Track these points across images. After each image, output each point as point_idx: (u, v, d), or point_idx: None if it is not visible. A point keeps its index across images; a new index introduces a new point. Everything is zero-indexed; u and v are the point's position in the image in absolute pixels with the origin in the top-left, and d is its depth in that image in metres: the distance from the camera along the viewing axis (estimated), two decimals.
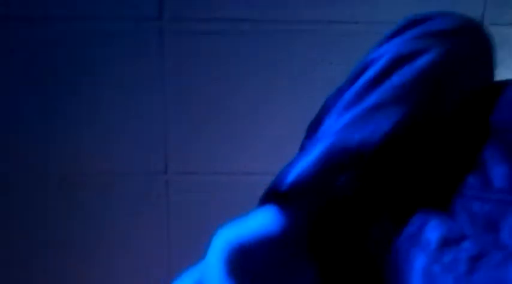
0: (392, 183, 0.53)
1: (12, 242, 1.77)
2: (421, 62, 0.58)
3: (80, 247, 1.78)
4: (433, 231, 0.48)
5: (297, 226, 0.51)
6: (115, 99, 1.65)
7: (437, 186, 0.54)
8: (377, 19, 1.61)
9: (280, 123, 1.69)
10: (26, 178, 1.71)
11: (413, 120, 0.54)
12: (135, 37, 1.60)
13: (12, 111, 1.66)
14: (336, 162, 0.52)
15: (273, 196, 0.53)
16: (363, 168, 0.52)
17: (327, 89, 1.82)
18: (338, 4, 1.60)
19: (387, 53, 0.61)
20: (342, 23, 1.61)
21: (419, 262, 0.46)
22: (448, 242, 0.47)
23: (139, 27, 1.59)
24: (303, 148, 0.68)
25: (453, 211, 0.51)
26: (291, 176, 0.52)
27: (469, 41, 0.61)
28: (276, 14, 1.60)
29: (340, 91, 0.66)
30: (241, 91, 1.66)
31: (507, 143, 0.51)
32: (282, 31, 1.61)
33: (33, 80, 1.63)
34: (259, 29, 1.61)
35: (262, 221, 0.52)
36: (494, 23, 1.61)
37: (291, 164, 0.54)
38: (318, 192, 0.51)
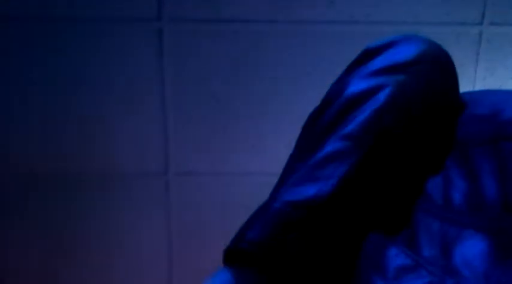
0: (350, 215, 0.54)
1: (12, 242, 1.77)
2: (376, 101, 0.58)
3: (80, 247, 1.78)
4: (391, 260, 0.50)
5: (261, 278, 0.53)
6: (115, 99, 1.65)
7: (399, 199, 0.55)
8: (377, 19, 1.61)
9: (281, 123, 1.69)
10: (26, 178, 1.71)
11: (365, 166, 0.55)
12: (135, 37, 1.60)
13: (11, 111, 1.66)
14: (288, 221, 0.53)
15: (233, 254, 0.56)
16: (312, 222, 0.53)
17: (327, 89, 1.81)
18: (338, 4, 1.60)
19: (345, 89, 0.62)
20: (342, 23, 1.61)
21: None
22: (404, 270, 0.48)
23: (139, 28, 1.59)
24: (292, 164, 0.69)
25: (416, 227, 0.52)
26: (250, 233, 0.54)
27: (429, 67, 0.61)
28: (276, 14, 1.60)
29: (315, 119, 0.68)
30: (241, 92, 1.66)
31: (467, 158, 0.52)
32: (282, 31, 1.61)
33: (32, 80, 1.63)
34: (259, 29, 1.61)
35: (228, 281, 0.54)
36: (494, 23, 1.60)
37: (252, 219, 0.57)
38: (274, 250, 0.52)
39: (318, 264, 0.52)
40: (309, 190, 0.54)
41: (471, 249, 0.47)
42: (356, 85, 0.61)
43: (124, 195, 1.73)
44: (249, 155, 1.71)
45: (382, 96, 0.58)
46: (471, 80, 1.62)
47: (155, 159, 1.70)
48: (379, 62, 0.63)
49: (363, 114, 0.57)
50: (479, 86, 1.65)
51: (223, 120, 1.68)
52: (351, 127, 0.57)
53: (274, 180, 1.72)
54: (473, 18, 1.61)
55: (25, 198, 1.73)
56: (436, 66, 0.62)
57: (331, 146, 0.57)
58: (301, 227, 0.53)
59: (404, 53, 0.62)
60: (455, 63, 0.69)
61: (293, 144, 1.70)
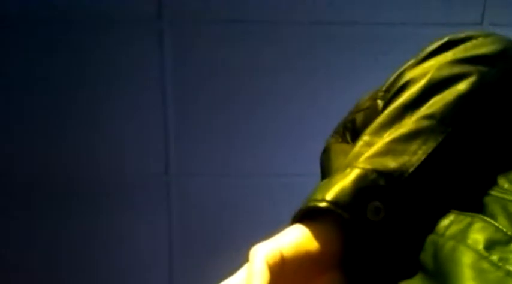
0: (426, 195, 0.56)
1: (12, 241, 1.77)
2: (460, 87, 0.60)
3: (80, 248, 1.78)
4: (478, 233, 0.50)
5: (330, 244, 0.54)
6: (115, 99, 1.65)
7: (471, 189, 0.57)
8: (377, 20, 1.61)
9: (281, 123, 1.69)
10: (25, 179, 1.71)
11: (448, 147, 0.57)
12: (135, 37, 1.60)
13: (11, 111, 1.66)
14: (369, 188, 0.54)
15: (310, 212, 0.55)
16: (394, 196, 0.54)
17: (327, 89, 1.82)
18: (338, 4, 1.60)
19: (426, 74, 0.62)
20: (342, 24, 1.62)
21: (467, 258, 0.49)
22: (494, 244, 0.49)
23: (139, 28, 1.59)
24: (333, 151, 0.70)
25: (492, 212, 0.53)
26: (330, 194, 0.54)
27: (509, 66, 0.63)
28: (276, 14, 1.60)
29: (374, 98, 0.68)
30: (242, 92, 1.66)
31: None
32: (282, 31, 1.62)
33: (32, 80, 1.63)
34: (259, 29, 1.61)
35: (299, 237, 0.54)
36: (494, 23, 1.61)
37: (327, 183, 0.56)
38: (352, 214, 0.53)
39: (392, 240, 0.54)
40: (394, 162, 0.55)
41: None
42: (439, 71, 0.62)
43: (125, 195, 1.73)
44: (250, 156, 1.72)
45: (466, 83, 0.60)
46: None
47: (156, 159, 1.70)
48: (462, 52, 0.64)
49: (446, 98, 0.59)
50: None
51: (224, 120, 1.69)
52: (435, 108, 0.58)
53: (275, 180, 1.73)
54: (473, 19, 1.61)
55: (26, 198, 1.73)
56: None
57: (415, 124, 0.58)
58: (383, 197, 0.53)
59: (488, 47, 0.63)
60: None
61: (293, 144, 1.71)
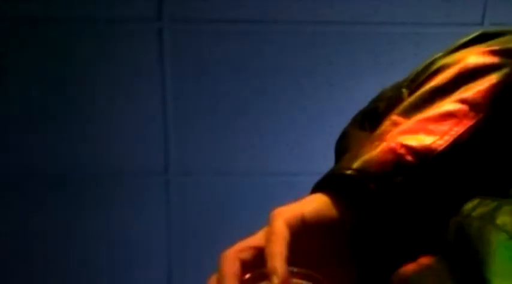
0: (453, 178, 0.55)
1: (12, 241, 1.77)
2: (493, 77, 0.59)
3: (80, 246, 1.78)
4: (507, 215, 0.50)
5: (349, 216, 0.53)
6: (115, 99, 1.65)
7: (498, 176, 0.56)
8: (377, 20, 1.61)
9: (281, 123, 1.69)
10: (26, 178, 1.71)
11: (478, 132, 0.56)
12: (135, 37, 1.60)
13: (11, 111, 1.66)
14: (397, 162, 0.53)
15: (335, 179, 0.55)
16: (420, 174, 0.54)
17: (328, 89, 1.82)
18: (338, 4, 1.60)
19: (460, 61, 0.62)
20: (342, 24, 1.62)
21: (498, 237, 0.48)
22: None
23: (139, 28, 1.59)
24: (348, 142, 0.69)
25: None
26: (357, 163, 0.54)
27: None
28: (276, 14, 1.60)
29: (399, 88, 0.67)
30: (241, 91, 1.66)
31: None
32: (282, 31, 1.61)
33: (32, 80, 1.63)
34: (259, 29, 1.61)
35: (320, 204, 0.54)
36: (494, 23, 1.60)
37: (354, 155, 0.55)
38: (379, 184, 0.52)
39: (415, 217, 0.53)
40: (423, 140, 0.55)
41: None
42: (473, 59, 0.61)
43: (124, 194, 1.73)
44: (250, 155, 1.72)
45: (499, 73, 0.59)
46: None
47: (155, 158, 1.70)
48: (496, 44, 0.63)
49: (479, 86, 0.58)
50: None
51: (224, 119, 1.69)
52: (467, 93, 0.58)
53: (275, 179, 1.73)
54: (473, 19, 1.61)
55: (25, 197, 1.73)
56: None
57: (447, 106, 0.57)
58: (409, 173, 0.53)
59: None
60: None
61: (293, 143, 1.70)
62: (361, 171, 0.53)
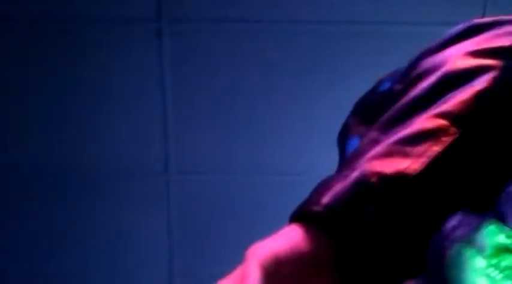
0: (435, 195, 0.53)
1: (13, 240, 1.77)
2: (476, 85, 0.55)
3: (80, 246, 1.78)
4: (487, 237, 0.48)
5: (325, 247, 0.52)
6: (115, 99, 1.65)
7: (482, 188, 0.54)
8: (377, 20, 1.61)
9: (281, 123, 1.69)
10: (26, 178, 1.71)
11: (456, 149, 0.54)
12: (135, 37, 1.60)
13: (11, 111, 1.66)
14: (367, 194, 0.52)
15: (305, 214, 0.53)
16: (394, 201, 0.52)
17: (328, 89, 1.82)
18: (340, 3, 1.60)
19: (442, 65, 0.58)
20: (342, 23, 1.62)
21: (475, 264, 0.47)
22: (503, 250, 0.47)
23: (139, 28, 1.59)
24: (349, 134, 0.67)
25: (503, 213, 0.51)
26: (326, 198, 0.52)
27: None
28: (276, 14, 1.60)
29: (393, 82, 0.64)
30: (241, 91, 1.66)
31: None
32: (282, 31, 1.61)
33: (32, 80, 1.63)
34: (259, 29, 1.61)
35: (295, 239, 0.53)
36: None
37: (327, 183, 0.54)
38: (348, 219, 0.51)
39: (391, 243, 0.52)
40: (397, 165, 0.52)
41: None
42: (458, 62, 0.57)
43: (125, 193, 1.73)
44: (250, 154, 1.72)
45: (486, 78, 0.55)
46: None
47: (156, 158, 1.70)
48: (483, 42, 0.59)
49: (462, 94, 0.54)
50: None
51: (224, 119, 1.68)
52: (448, 105, 0.54)
53: (274, 179, 1.73)
54: (473, 19, 1.61)
55: (26, 196, 1.73)
56: None
57: (425, 123, 0.54)
58: (382, 202, 0.51)
59: None
60: None
61: (293, 143, 1.70)
62: (329, 208, 0.52)
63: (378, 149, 0.54)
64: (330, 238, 0.52)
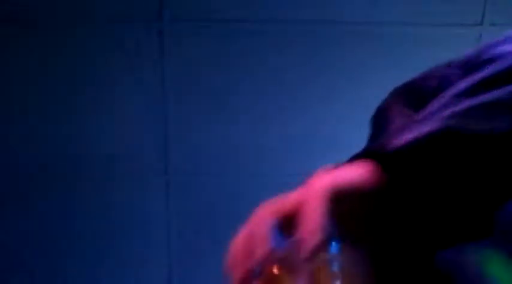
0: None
1: (13, 240, 1.77)
2: None
3: (80, 246, 1.78)
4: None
5: (390, 187, 0.52)
6: (115, 99, 1.65)
7: None
8: (377, 20, 1.61)
9: (282, 123, 1.69)
10: (26, 179, 1.71)
11: None
12: (135, 37, 1.60)
13: (11, 111, 1.66)
14: (444, 147, 0.51)
15: (375, 153, 0.53)
16: (469, 160, 0.51)
17: (328, 89, 1.82)
18: (338, 4, 1.60)
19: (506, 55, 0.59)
20: (342, 23, 1.62)
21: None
22: None
23: (139, 28, 1.59)
24: (390, 114, 0.66)
25: None
26: (399, 142, 0.52)
27: None
28: (276, 14, 1.60)
29: (452, 68, 0.65)
30: (241, 92, 1.66)
31: None
32: (281, 31, 1.61)
33: (32, 80, 1.63)
34: (259, 29, 1.61)
35: (361, 173, 0.52)
36: (494, 23, 1.61)
37: (396, 133, 0.54)
38: (421, 166, 0.51)
39: (456, 202, 0.51)
40: (479, 124, 0.52)
41: None
42: None
43: (124, 194, 1.73)
44: (250, 155, 1.72)
45: None
46: None
47: (155, 158, 1.70)
48: None
49: None
50: None
51: (224, 120, 1.68)
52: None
53: (274, 179, 1.72)
54: (473, 19, 1.61)
55: (25, 197, 1.73)
56: None
57: (500, 96, 0.54)
58: (455, 157, 0.51)
59: None
60: None
61: (294, 143, 1.70)
62: (403, 150, 0.52)
63: (456, 108, 0.54)
64: (396, 180, 0.52)
